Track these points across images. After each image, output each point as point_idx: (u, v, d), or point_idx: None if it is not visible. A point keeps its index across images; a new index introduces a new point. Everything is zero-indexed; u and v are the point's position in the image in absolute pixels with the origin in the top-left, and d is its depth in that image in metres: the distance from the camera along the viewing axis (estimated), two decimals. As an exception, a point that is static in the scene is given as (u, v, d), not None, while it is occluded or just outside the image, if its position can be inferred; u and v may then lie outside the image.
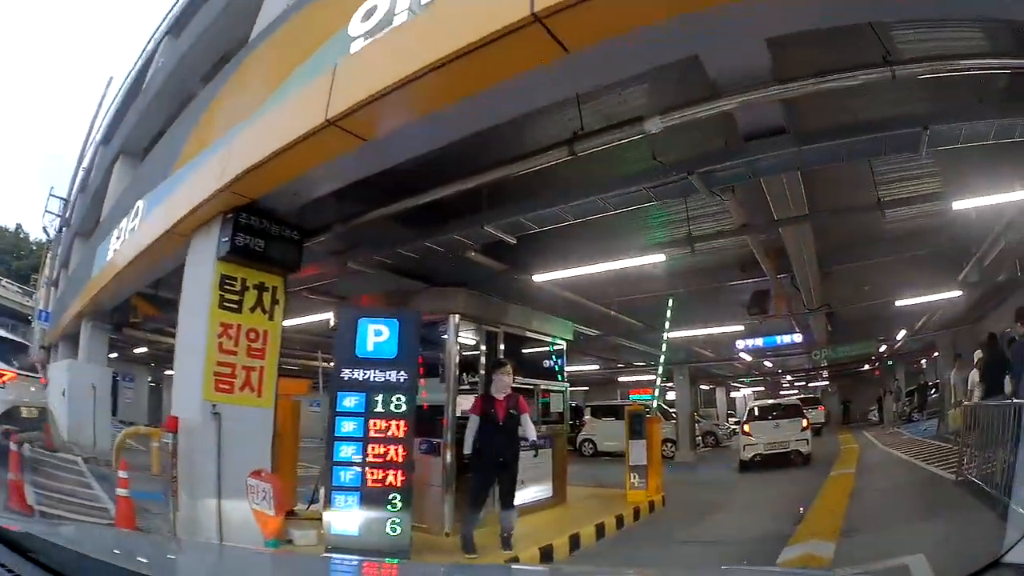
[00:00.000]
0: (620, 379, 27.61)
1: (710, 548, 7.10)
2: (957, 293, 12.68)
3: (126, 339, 15.19)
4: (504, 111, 4.59)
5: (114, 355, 14.88)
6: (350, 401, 6.26)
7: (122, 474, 6.10)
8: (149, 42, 15.36)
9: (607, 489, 11.00)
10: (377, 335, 6.42)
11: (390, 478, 6.09)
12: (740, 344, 18.14)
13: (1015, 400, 6.84)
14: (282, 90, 5.59)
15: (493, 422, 6.54)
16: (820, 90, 4.46)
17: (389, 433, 6.17)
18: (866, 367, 32.82)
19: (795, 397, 23.08)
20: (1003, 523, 5.97)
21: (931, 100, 5.68)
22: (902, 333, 19.74)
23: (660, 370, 12.98)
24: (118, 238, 9.40)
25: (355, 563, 3.28)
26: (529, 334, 9.79)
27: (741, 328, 15.23)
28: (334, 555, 5.58)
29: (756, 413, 16.30)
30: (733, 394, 39.79)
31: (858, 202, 7.88)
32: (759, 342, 17.72)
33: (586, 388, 30.75)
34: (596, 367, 23.80)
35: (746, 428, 15.74)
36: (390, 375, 6.32)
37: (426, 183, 6.31)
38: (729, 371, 28.62)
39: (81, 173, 20.11)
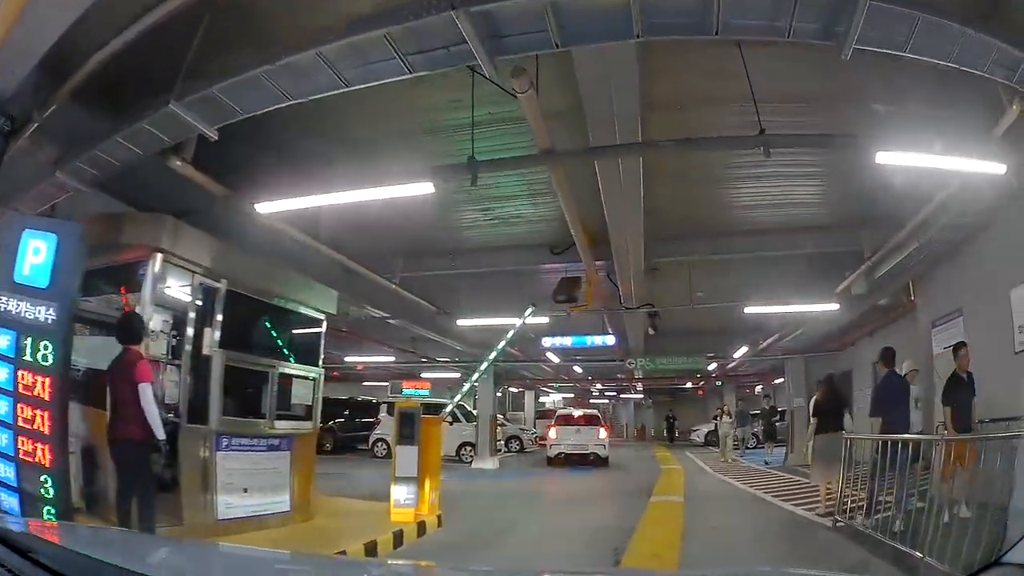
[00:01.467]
0: (424, 375, 25.68)
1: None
2: (833, 306, 11.21)
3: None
4: None
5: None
6: (2, 341, 4.91)
7: None
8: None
9: (376, 503, 8.87)
10: (35, 254, 4.98)
11: (39, 454, 4.87)
12: (547, 341, 16.73)
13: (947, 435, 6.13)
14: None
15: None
16: None
17: (35, 392, 4.85)
18: (689, 385, 33.40)
19: (591, 411, 23.16)
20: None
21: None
22: (742, 350, 19.20)
23: (483, 366, 11.22)
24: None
25: (357, 563, 3.77)
26: (269, 299, 7.59)
27: (546, 321, 13.65)
28: (334, 555, 4.95)
29: (561, 419, 19.68)
30: (543, 399, 39.66)
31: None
32: (567, 341, 16.45)
33: (387, 383, 28.80)
34: (392, 359, 21.85)
35: (551, 432, 18.83)
36: (39, 311, 4.88)
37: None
38: (539, 374, 27.90)
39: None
